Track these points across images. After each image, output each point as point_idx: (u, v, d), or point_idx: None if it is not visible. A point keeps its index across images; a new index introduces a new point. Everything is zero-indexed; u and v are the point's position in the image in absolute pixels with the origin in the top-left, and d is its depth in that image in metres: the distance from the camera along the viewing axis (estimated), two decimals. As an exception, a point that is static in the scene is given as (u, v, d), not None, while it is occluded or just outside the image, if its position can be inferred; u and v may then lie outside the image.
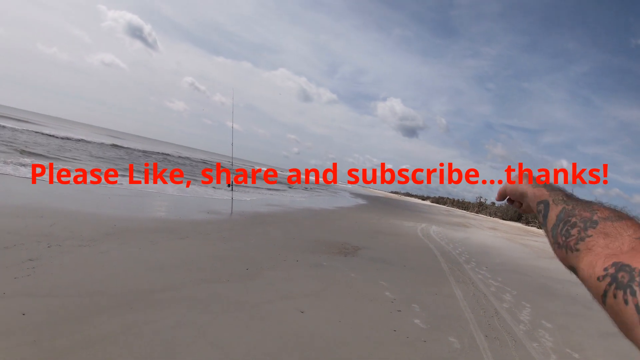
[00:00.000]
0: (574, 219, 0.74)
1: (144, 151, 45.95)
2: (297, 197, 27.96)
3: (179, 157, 54.02)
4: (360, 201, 39.58)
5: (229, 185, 13.11)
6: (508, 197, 1.08)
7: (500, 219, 54.86)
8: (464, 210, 78.40)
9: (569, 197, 0.82)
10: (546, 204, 0.86)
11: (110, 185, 12.99)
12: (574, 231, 0.72)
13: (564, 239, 0.74)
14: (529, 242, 20.37)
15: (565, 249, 0.73)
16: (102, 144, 40.60)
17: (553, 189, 0.89)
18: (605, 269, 0.59)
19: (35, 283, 4.19)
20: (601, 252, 0.63)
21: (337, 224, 14.74)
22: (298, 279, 6.05)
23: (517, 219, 52.16)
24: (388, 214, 25.50)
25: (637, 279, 0.52)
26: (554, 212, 0.82)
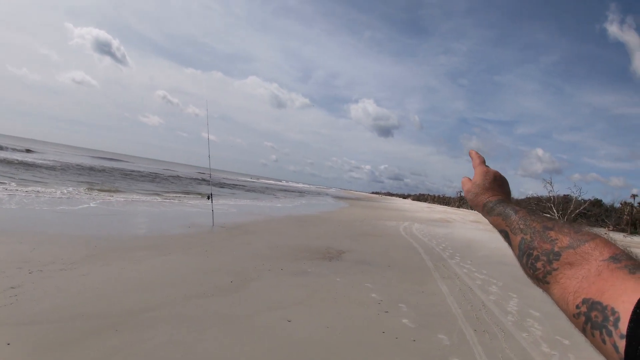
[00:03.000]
0: (535, 252, 0.72)
1: (128, 170, 45.34)
2: (279, 204, 27.87)
3: (170, 175, 53.38)
4: (342, 204, 39.64)
5: (208, 197, 12.97)
6: None
7: (481, 212, 55.38)
8: (445, 205, 79.22)
9: (526, 224, 0.79)
10: (505, 234, 0.85)
11: (91, 205, 12.73)
12: (538, 264, 0.71)
13: (531, 271, 0.73)
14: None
15: (536, 280, 0.73)
16: (78, 165, 39.91)
17: (507, 215, 0.86)
18: (577, 307, 0.59)
19: (19, 311, 4.06)
20: (569, 284, 0.63)
21: (320, 228, 14.70)
22: (284, 288, 5.99)
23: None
24: (370, 215, 25.57)
25: (611, 318, 0.51)
26: (514, 243, 0.80)
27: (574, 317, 0.60)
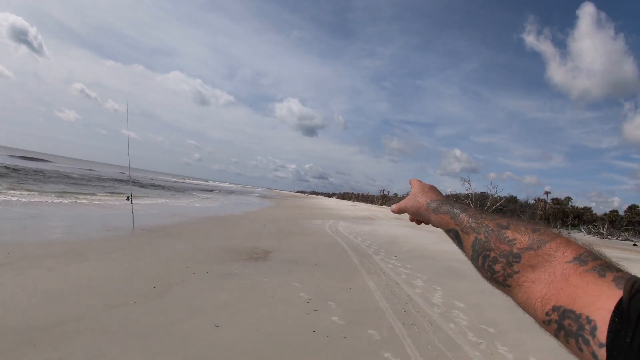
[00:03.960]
0: (492, 254, 0.68)
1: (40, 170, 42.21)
2: (203, 204, 27.20)
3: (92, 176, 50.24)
4: (268, 203, 39.47)
5: (127, 198, 12.35)
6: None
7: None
8: (369, 203, 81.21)
9: (477, 222, 0.75)
10: (455, 233, 0.81)
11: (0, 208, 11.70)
12: (497, 267, 0.67)
13: (489, 274, 0.69)
14: (433, 228, 21.17)
15: (495, 283, 0.68)
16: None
17: (455, 214, 0.82)
18: (547, 314, 0.55)
19: None
20: (534, 289, 0.59)
21: (246, 228, 14.51)
22: (210, 292, 5.81)
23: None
24: (296, 214, 25.64)
25: (587, 327, 0.49)
26: (467, 243, 0.76)
27: (544, 324, 0.57)
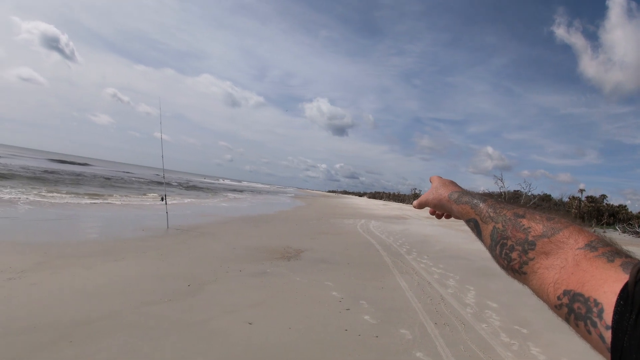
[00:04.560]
0: (509, 242, 0.71)
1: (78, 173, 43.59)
2: (235, 204, 27.53)
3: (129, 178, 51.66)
4: (299, 203, 39.62)
5: (162, 199, 12.62)
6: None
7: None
8: (400, 202, 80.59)
9: (496, 211, 0.78)
10: (475, 223, 0.83)
11: (38, 209, 12.13)
12: (514, 255, 0.69)
13: (506, 262, 0.71)
14: (464, 227, 20.83)
15: (512, 272, 0.70)
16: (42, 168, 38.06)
17: (476, 203, 0.85)
18: (559, 298, 0.57)
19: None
20: (547, 275, 0.61)
21: (278, 228, 14.60)
22: (243, 290, 5.87)
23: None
24: (327, 214, 25.66)
25: (594, 309, 0.51)
26: (486, 232, 0.79)
27: (555, 308, 0.58)
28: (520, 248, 0.68)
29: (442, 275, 8.08)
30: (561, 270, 0.59)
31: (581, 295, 0.53)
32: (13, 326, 3.91)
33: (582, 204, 46.87)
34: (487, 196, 0.86)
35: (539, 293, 0.63)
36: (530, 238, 0.67)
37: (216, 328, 4.37)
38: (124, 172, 73.18)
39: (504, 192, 49.25)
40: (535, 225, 0.68)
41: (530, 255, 0.65)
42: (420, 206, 1.09)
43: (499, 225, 0.74)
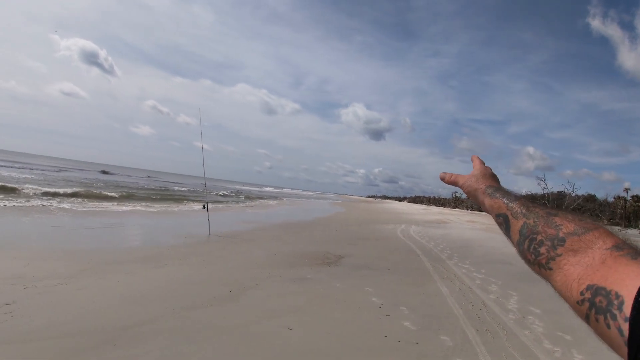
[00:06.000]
0: (539, 237, 0.72)
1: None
2: (275, 210, 27.81)
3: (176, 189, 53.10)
4: (338, 208, 39.61)
5: (204, 207, 12.92)
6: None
7: (477, 211, 55.52)
8: (441, 206, 79.32)
9: (528, 209, 0.80)
10: (505, 218, 0.85)
11: (82, 217, 12.65)
12: (542, 249, 0.71)
13: (533, 257, 0.73)
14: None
15: (538, 266, 0.71)
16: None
17: (509, 200, 0.87)
18: (582, 293, 0.59)
19: (14, 328, 4.01)
20: (573, 271, 0.63)
21: (317, 234, 14.65)
22: (283, 295, 5.94)
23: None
24: (367, 219, 25.55)
25: (615, 302, 0.52)
26: (515, 228, 0.80)
27: (577, 304, 0.60)
28: (549, 243, 0.69)
29: (484, 280, 7.91)
30: (587, 267, 0.61)
31: (604, 288, 0.55)
32: (60, 329, 4.09)
33: (628, 203, 44.78)
34: (520, 195, 0.88)
35: (562, 288, 0.65)
36: (561, 234, 0.68)
37: (256, 332, 4.44)
38: (167, 181, 75.07)
39: (547, 193, 47.69)
40: (567, 223, 0.70)
41: (559, 251, 0.67)
42: (451, 182, 1.11)
43: (530, 221, 0.76)
